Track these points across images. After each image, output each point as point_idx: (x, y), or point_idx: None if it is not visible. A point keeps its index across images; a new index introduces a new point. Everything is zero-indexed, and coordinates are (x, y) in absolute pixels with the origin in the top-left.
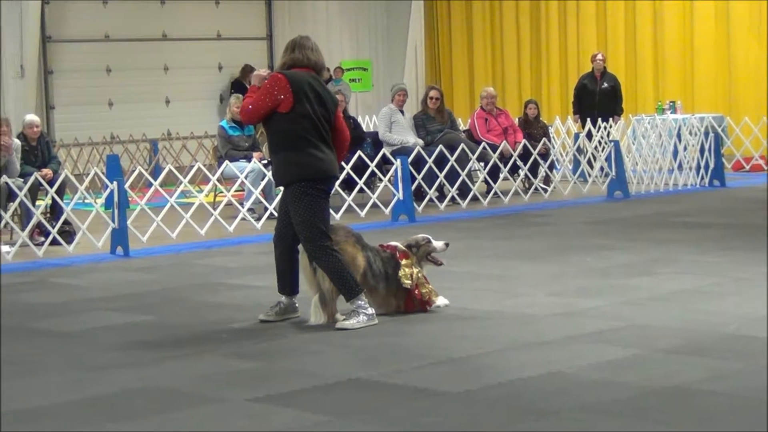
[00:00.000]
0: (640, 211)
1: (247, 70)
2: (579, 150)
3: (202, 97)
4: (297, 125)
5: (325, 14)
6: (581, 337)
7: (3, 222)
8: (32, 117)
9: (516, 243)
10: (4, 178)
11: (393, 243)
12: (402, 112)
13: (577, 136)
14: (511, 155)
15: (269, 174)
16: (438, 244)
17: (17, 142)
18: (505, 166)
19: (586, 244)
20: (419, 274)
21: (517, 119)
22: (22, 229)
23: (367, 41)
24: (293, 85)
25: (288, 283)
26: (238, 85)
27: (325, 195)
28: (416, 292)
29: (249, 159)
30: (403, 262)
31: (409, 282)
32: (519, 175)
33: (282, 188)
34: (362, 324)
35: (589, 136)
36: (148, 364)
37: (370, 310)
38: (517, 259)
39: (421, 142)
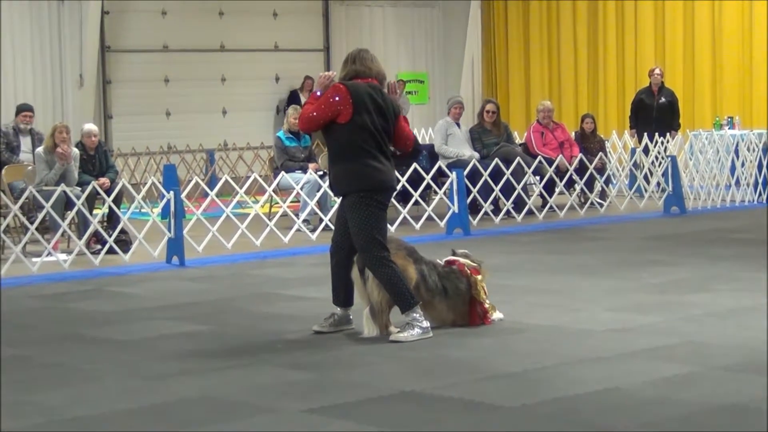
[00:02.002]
0: (696, 227)
1: (308, 83)
2: (635, 165)
3: (259, 108)
4: (356, 136)
5: (382, 26)
6: (638, 353)
7: (61, 230)
8: (90, 126)
9: (572, 258)
10: (63, 186)
11: (457, 258)
12: (458, 125)
13: (633, 151)
14: (567, 169)
15: (325, 185)
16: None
17: (76, 150)
18: (561, 180)
19: (643, 260)
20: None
21: (573, 133)
22: (80, 238)
23: (424, 54)
24: (353, 96)
25: (342, 295)
26: (294, 97)
27: (382, 206)
28: (484, 306)
29: (305, 170)
30: (479, 278)
31: (486, 298)
32: (575, 190)
33: (339, 198)
34: (416, 337)
35: (646, 150)
36: (203, 373)
37: (425, 323)
38: (572, 273)
39: (476, 155)
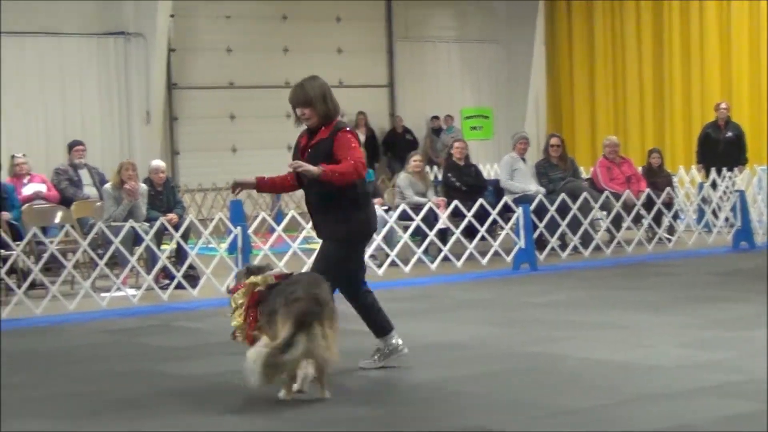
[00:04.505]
0: (766, 262)
1: (360, 118)
2: (704, 200)
3: None
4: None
5: (447, 63)
6: (706, 390)
7: (129, 266)
8: (158, 162)
9: (639, 293)
10: (131, 222)
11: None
12: (524, 159)
13: (701, 186)
14: (635, 204)
15: (391, 221)
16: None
17: (143, 186)
18: (628, 215)
19: (711, 296)
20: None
21: (640, 168)
22: (148, 273)
23: (488, 90)
24: None
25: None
26: None
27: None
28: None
29: None
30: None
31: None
32: (642, 225)
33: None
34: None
35: (714, 185)
36: (269, 409)
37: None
38: (640, 309)
39: (542, 189)
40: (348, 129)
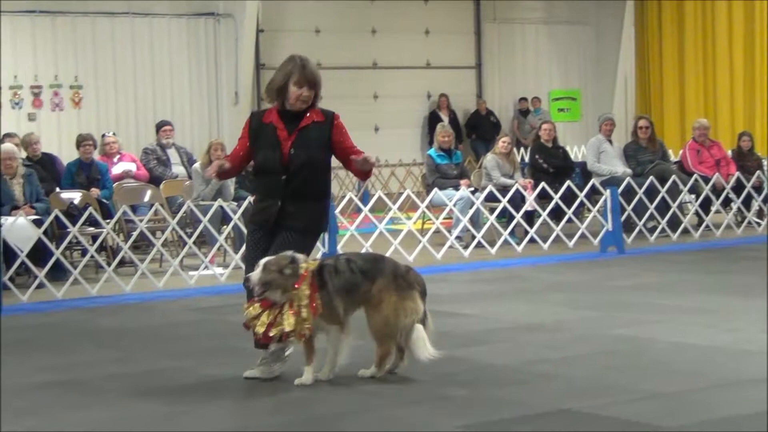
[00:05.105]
0: None
1: (443, 100)
2: None
3: (411, 125)
4: None
5: (534, 44)
6: None
7: (217, 244)
8: None
9: (728, 277)
10: (219, 201)
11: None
12: (610, 141)
13: None
14: (724, 187)
15: (478, 202)
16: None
17: None
18: (717, 199)
19: None
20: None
21: (730, 151)
22: (236, 252)
23: (577, 71)
24: None
25: None
26: (434, 116)
27: None
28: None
29: (457, 187)
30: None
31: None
32: (732, 208)
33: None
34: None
35: None
36: (355, 387)
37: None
38: (729, 293)
39: (629, 171)
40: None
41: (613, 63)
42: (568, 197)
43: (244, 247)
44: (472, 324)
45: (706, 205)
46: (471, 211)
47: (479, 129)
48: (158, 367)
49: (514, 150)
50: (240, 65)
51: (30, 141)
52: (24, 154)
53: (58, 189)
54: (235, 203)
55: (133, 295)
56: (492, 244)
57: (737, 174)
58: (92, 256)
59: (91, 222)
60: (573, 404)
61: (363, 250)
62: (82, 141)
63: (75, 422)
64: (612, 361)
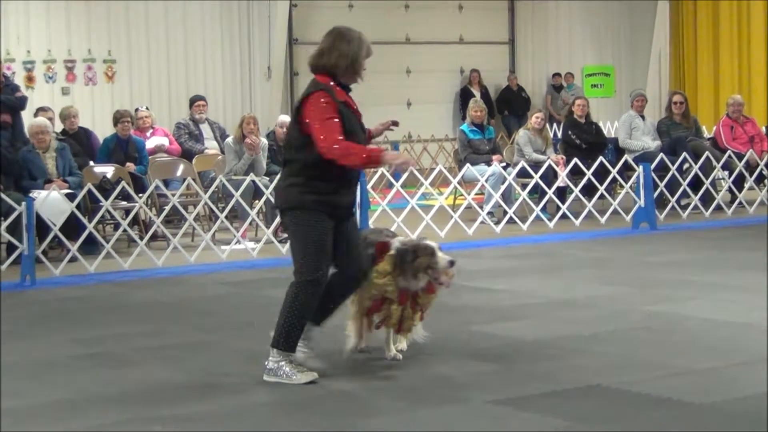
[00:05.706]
0: None
1: (474, 76)
2: None
3: (443, 101)
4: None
5: (567, 19)
6: None
7: (249, 219)
8: (285, 117)
9: (761, 254)
10: (251, 176)
11: (391, 239)
12: (642, 117)
13: None
14: (758, 164)
15: (510, 178)
16: (442, 258)
17: (264, 141)
18: (750, 176)
19: None
20: (390, 289)
21: (764, 128)
22: (268, 227)
23: (610, 47)
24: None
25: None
26: (466, 92)
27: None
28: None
29: (489, 162)
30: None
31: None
32: (765, 185)
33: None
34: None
35: None
36: (389, 363)
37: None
38: (762, 270)
39: (660, 144)
40: None
41: (647, 39)
42: (601, 173)
43: (275, 222)
44: (504, 299)
45: (739, 182)
46: (503, 187)
47: (511, 104)
48: (190, 340)
49: (547, 126)
50: (273, 40)
51: (69, 114)
52: (58, 128)
53: (91, 163)
54: (267, 178)
55: (165, 269)
56: (524, 220)
57: None
58: (125, 230)
59: (124, 196)
60: (603, 380)
61: (394, 226)
62: (120, 118)
63: (106, 395)
64: (643, 338)
